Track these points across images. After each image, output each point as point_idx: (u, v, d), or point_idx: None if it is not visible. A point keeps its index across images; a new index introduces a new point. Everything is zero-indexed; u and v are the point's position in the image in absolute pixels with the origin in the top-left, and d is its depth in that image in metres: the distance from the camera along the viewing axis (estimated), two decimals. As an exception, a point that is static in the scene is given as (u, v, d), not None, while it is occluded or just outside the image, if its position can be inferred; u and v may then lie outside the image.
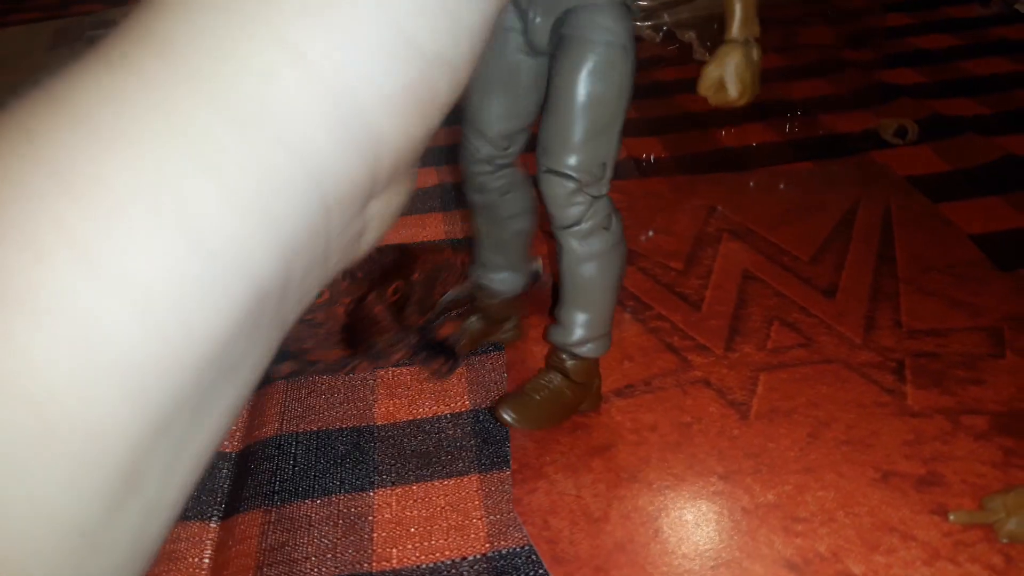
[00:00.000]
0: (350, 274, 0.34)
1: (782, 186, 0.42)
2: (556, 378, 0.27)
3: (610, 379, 0.30)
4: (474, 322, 0.31)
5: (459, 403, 0.30)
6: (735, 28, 0.25)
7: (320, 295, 0.24)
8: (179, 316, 0.11)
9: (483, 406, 0.30)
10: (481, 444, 0.28)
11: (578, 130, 0.24)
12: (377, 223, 0.15)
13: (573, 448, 0.27)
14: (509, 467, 0.27)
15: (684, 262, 0.37)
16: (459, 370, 0.31)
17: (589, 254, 0.25)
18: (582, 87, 0.24)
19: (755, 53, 0.25)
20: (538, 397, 0.27)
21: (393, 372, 0.31)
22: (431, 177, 0.44)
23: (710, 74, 0.25)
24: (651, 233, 0.39)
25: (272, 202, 0.12)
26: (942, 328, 0.31)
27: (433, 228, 0.40)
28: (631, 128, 0.33)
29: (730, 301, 0.34)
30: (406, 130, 0.13)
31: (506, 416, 0.27)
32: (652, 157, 0.46)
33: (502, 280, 0.30)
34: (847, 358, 0.30)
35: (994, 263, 0.35)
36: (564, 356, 0.27)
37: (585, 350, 0.27)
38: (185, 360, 0.11)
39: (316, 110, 0.12)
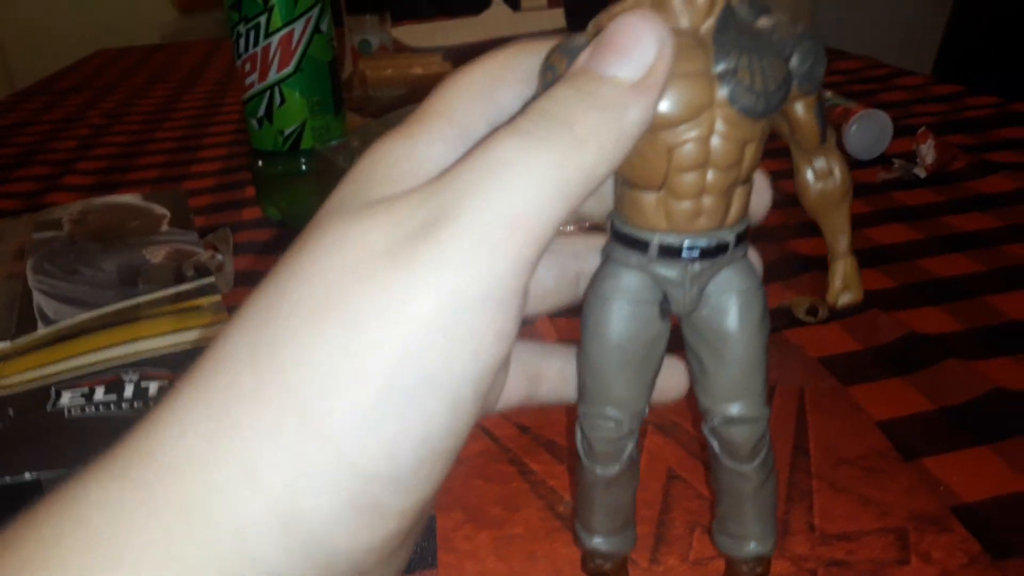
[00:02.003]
0: None
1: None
2: None
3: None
4: None
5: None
6: (846, 244, 0.28)
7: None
8: None
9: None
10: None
11: (758, 376, 0.26)
12: None
13: None
14: None
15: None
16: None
17: (767, 473, 0.27)
18: (755, 336, 0.25)
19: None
20: None
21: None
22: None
23: (837, 286, 0.28)
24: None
25: None
26: (852, 531, 0.33)
27: None
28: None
29: (655, 504, 0.35)
30: (356, 541, 0.15)
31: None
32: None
33: (621, 540, 0.30)
34: (766, 565, 0.32)
35: (899, 452, 0.37)
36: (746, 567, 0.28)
37: (765, 550, 0.28)
38: None
39: (274, 530, 0.15)
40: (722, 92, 0.23)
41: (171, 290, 0.39)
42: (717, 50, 0.23)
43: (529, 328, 0.29)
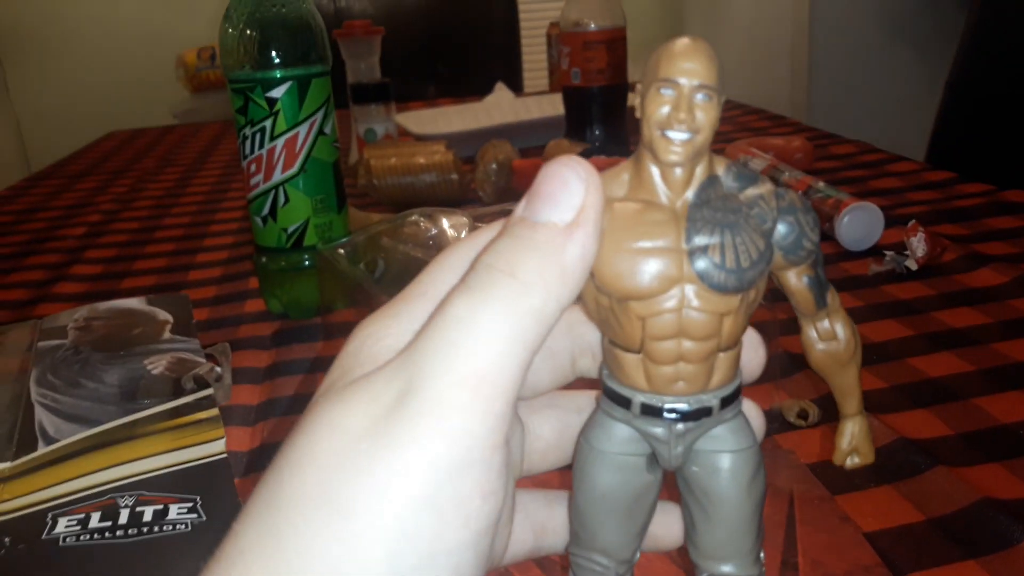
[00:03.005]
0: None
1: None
2: None
3: None
4: None
5: None
6: (856, 404, 0.28)
7: None
8: None
9: None
10: None
11: (748, 536, 0.26)
12: None
13: None
14: None
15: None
16: None
17: None
18: (745, 498, 0.25)
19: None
20: None
21: None
22: None
23: (844, 448, 0.28)
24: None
25: None
26: (838, 655, 0.33)
27: None
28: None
29: (643, 624, 0.35)
30: None
31: None
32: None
33: None
34: None
35: (889, 566, 0.38)
36: None
37: None
38: None
39: None
40: (693, 268, 0.23)
41: (170, 404, 0.40)
42: (690, 225, 0.23)
43: (536, 476, 0.29)
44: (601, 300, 0.25)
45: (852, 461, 0.28)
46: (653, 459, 0.26)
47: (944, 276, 0.69)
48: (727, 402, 0.25)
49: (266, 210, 0.66)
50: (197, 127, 1.70)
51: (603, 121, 1.09)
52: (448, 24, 1.86)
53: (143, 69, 2.55)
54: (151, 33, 2.52)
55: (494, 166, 0.95)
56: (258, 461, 0.47)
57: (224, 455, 0.39)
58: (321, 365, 0.60)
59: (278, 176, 0.65)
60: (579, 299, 0.26)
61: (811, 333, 0.27)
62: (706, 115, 0.23)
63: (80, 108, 2.56)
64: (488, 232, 0.23)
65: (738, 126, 1.29)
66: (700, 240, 0.23)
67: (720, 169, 0.24)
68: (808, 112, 2.07)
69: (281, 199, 0.66)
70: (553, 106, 1.28)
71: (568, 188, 0.21)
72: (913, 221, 0.71)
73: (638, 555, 0.27)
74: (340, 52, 1.12)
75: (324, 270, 0.63)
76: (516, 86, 1.78)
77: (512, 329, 0.19)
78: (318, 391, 0.20)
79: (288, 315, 0.69)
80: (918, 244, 0.70)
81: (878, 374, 0.54)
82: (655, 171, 0.24)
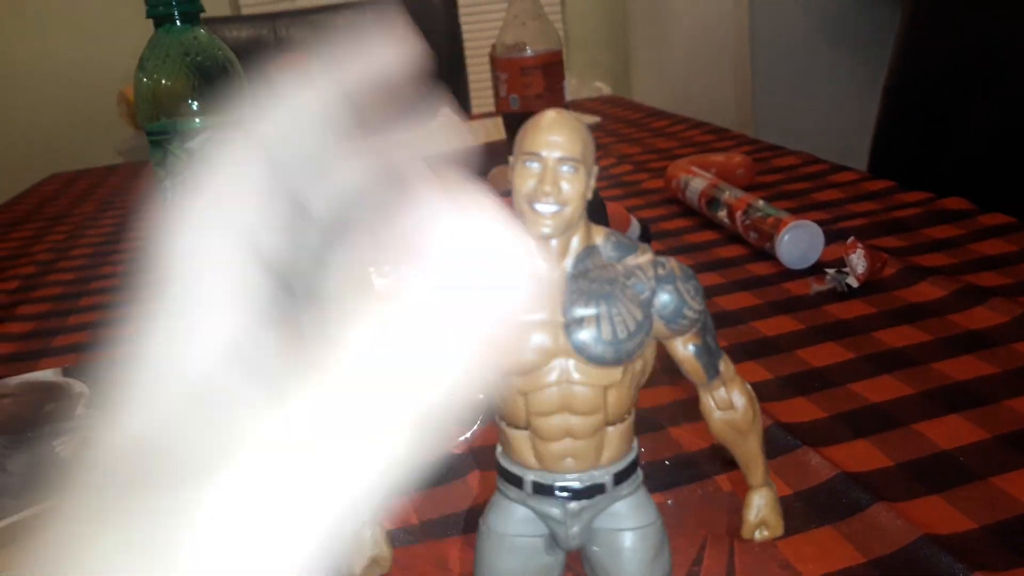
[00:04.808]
0: None
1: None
2: None
3: None
4: None
5: None
6: (760, 474, 0.27)
7: None
8: None
9: None
10: None
11: None
12: None
13: None
14: None
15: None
16: None
17: None
18: (651, 574, 0.25)
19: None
20: None
21: None
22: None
23: (751, 521, 0.27)
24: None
25: None
26: None
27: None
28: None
29: None
30: None
31: None
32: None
33: None
34: None
35: (829, 617, 0.37)
36: None
37: None
38: None
39: None
40: (570, 341, 0.23)
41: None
42: (567, 297, 0.23)
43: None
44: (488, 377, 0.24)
45: (761, 534, 0.27)
46: (552, 540, 0.25)
47: (884, 292, 0.68)
48: (621, 478, 0.24)
49: (193, 264, 0.64)
50: (140, 166, 1.66)
51: (545, 145, 1.08)
52: (391, 49, 1.84)
53: (87, 108, 2.50)
54: (93, 71, 2.48)
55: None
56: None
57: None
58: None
59: (203, 229, 0.63)
60: None
61: (708, 402, 0.26)
62: (573, 186, 0.22)
63: (21, 149, 2.50)
64: None
65: (682, 141, 1.30)
66: (577, 312, 0.22)
67: (599, 239, 0.24)
68: (754, 121, 2.08)
69: (208, 252, 0.63)
70: (497, 129, 1.27)
71: None
72: (852, 238, 0.71)
73: None
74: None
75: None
76: (465, 106, 1.77)
77: None
78: None
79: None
80: (858, 261, 0.70)
81: (819, 403, 0.54)
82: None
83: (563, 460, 0.24)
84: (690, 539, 0.42)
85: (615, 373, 0.23)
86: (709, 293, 0.73)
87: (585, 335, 0.22)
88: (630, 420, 0.25)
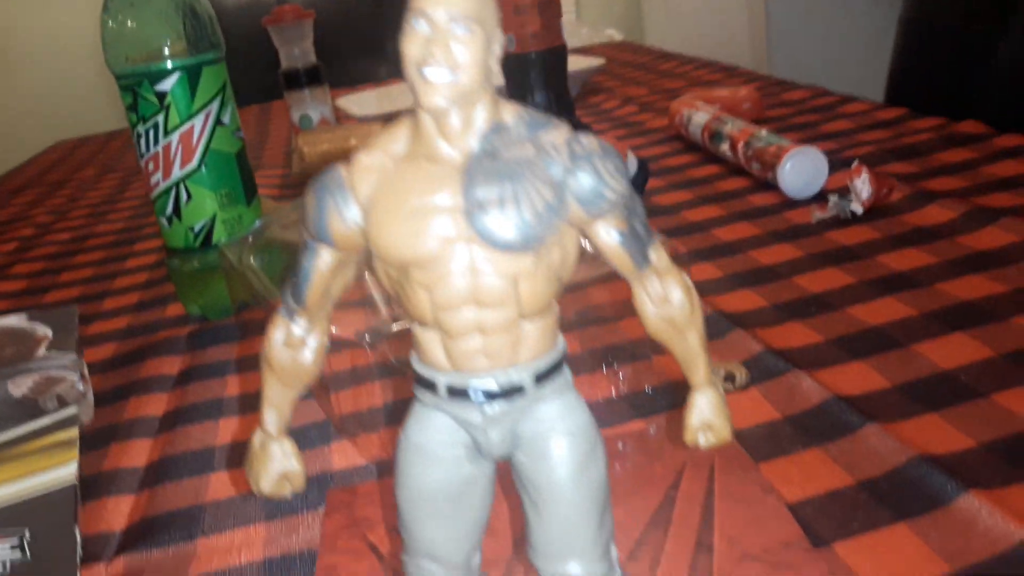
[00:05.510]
0: None
1: (615, 454, 0.42)
2: None
3: None
4: None
5: None
6: (703, 373, 0.24)
7: None
8: None
9: None
10: None
11: (589, 529, 0.23)
12: None
13: None
14: None
15: (504, 569, 0.35)
16: None
17: None
18: (579, 485, 0.23)
19: (720, 387, 0.25)
20: None
21: None
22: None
23: (694, 424, 0.24)
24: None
25: None
26: (747, 646, 0.30)
27: None
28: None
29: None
30: None
31: None
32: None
33: None
34: None
35: (811, 539, 0.35)
36: None
37: None
38: None
39: None
40: (472, 225, 0.20)
41: (26, 427, 0.36)
42: (468, 179, 0.20)
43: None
44: (390, 272, 0.22)
45: (706, 439, 0.25)
46: (475, 449, 0.23)
47: (890, 217, 0.65)
48: (543, 378, 0.22)
49: (169, 209, 0.63)
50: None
51: (544, 87, 1.05)
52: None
53: (92, 75, 2.49)
54: (96, 40, 2.46)
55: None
56: (151, 478, 0.44)
57: (72, 483, 0.35)
58: (238, 367, 0.57)
59: (177, 173, 0.61)
60: (374, 273, 0.23)
61: (642, 296, 0.23)
62: (468, 51, 0.20)
63: (27, 119, 2.50)
64: None
65: (690, 80, 1.25)
66: (480, 194, 0.20)
67: (508, 116, 0.21)
68: (769, 59, 2.02)
69: (184, 196, 0.62)
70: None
71: None
72: (856, 162, 0.68)
73: (478, 558, 0.24)
74: (272, 40, 1.07)
75: (226, 268, 0.60)
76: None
77: None
78: None
79: (207, 317, 0.66)
80: (862, 186, 0.66)
81: (814, 327, 0.51)
82: (430, 121, 0.21)
83: (475, 358, 0.22)
84: (669, 464, 0.40)
85: (525, 261, 0.21)
86: (707, 225, 0.70)
87: (488, 219, 0.20)
88: (552, 317, 0.22)
